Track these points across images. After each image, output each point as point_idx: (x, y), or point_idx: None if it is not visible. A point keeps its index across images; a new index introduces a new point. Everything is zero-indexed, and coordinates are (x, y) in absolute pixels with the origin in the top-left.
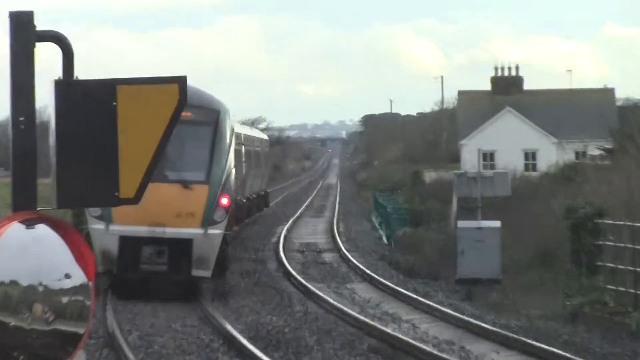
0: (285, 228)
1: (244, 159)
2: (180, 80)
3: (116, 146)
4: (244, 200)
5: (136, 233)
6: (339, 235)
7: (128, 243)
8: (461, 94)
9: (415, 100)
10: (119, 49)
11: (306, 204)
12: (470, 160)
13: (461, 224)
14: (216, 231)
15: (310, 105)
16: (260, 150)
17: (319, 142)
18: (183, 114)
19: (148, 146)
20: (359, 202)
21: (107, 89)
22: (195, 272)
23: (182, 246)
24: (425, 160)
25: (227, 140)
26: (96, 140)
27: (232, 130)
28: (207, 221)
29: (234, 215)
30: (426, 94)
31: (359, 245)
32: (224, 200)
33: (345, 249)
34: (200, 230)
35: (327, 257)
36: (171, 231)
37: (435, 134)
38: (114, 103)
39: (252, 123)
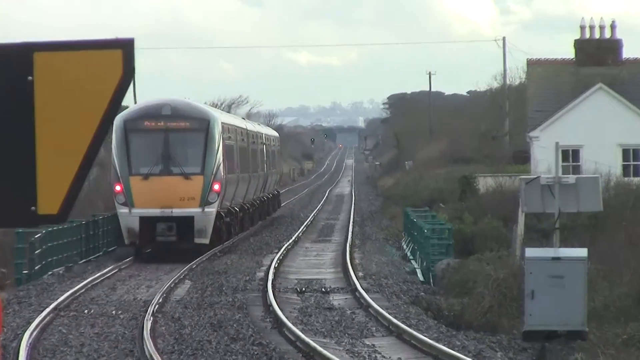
0: (276, 258)
1: (236, 158)
2: (126, 45)
3: (32, 142)
4: (244, 208)
5: (152, 214)
6: (353, 268)
7: (146, 221)
8: (532, 65)
9: (464, 73)
10: (37, 5)
11: (307, 223)
12: (544, 161)
13: (530, 252)
14: (211, 209)
15: (310, 80)
16: (264, 148)
17: (324, 133)
18: (181, 124)
19: (79, 142)
20: (383, 222)
21: (20, 58)
22: (197, 240)
23: (186, 222)
24: (480, 160)
25: (217, 141)
26: (3, 133)
27: (221, 132)
28: (204, 202)
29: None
30: (479, 65)
31: (382, 283)
32: (216, 187)
33: (363, 288)
34: (199, 209)
35: (337, 300)
36: (178, 211)
37: (493, 122)
38: (30, 78)
39: (229, 107)
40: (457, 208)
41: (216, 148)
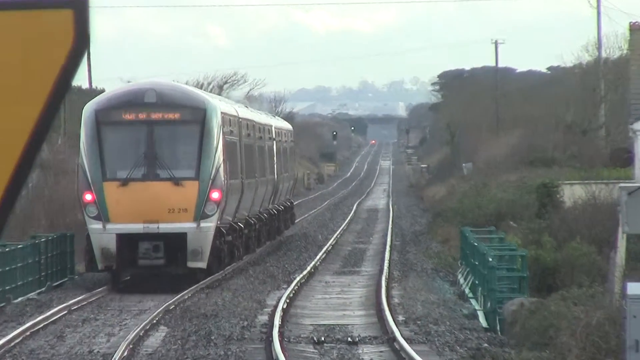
0: (285, 296)
1: (241, 159)
2: (79, 3)
3: None
4: (250, 224)
5: (132, 230)
6: (390, 310)
7: (125, 240)
8: (636, 31)
9: (542, 43)
10: None
11: (327, 247)
12: None
13: (634, 288)
14: (209, 224)
15: (330, 52)
16: (274, 145)
17: (351, 125)
18: (170, 115)
19: (16, 132)
20: (432, 246)
21: None
22: (191, 264)
23: (177, 240)
24: (565, 161)
25: (215, 137)
26: None
27: (220, 125)
28: (200, 215)
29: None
30: (564, 32)
31: (430, 330)
32: (215, 195)
33: (405, 338)
34: (193, 224)
35: (369, 353)
36: (165, 226)
37: (583, 110)
38: None
39: (220, 88)
40: (533, 228)
41: (215, 145)
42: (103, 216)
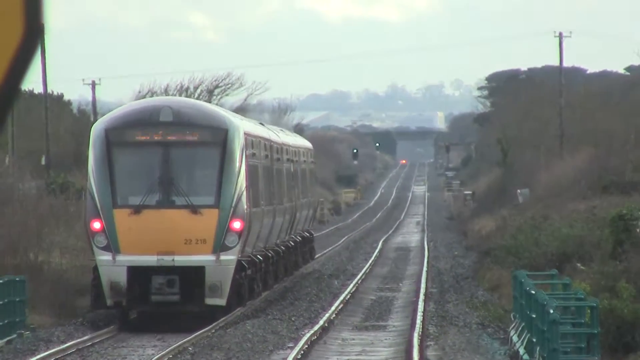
0: (292, 358)
1: (262, 184)
2: None
3: None
4: (268, 257)
5: (145, 262)
6: None
7: (137, 273)
8: None
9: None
10: None
11: (344, 296)
12: None
13: None
14: (229, 257)
15: (349, 43)
16: (291, 167)
17: (376, 140)
18: (188, 135)
19: None
20: (478, 294)
21: None
22: (209, 301)
23: (194, 274)
24: None
25: (237, 160)
26: None
27: (243, 147)
28: (219, 247)
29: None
30: None
31: None
32: (236, 224)
33: None
34: (212, 257)
35: None
36: (181, 259)
37: None
38: None
39: (210, 93)
40: (607, 271)
41: (237, 169)
42: (113, 247)
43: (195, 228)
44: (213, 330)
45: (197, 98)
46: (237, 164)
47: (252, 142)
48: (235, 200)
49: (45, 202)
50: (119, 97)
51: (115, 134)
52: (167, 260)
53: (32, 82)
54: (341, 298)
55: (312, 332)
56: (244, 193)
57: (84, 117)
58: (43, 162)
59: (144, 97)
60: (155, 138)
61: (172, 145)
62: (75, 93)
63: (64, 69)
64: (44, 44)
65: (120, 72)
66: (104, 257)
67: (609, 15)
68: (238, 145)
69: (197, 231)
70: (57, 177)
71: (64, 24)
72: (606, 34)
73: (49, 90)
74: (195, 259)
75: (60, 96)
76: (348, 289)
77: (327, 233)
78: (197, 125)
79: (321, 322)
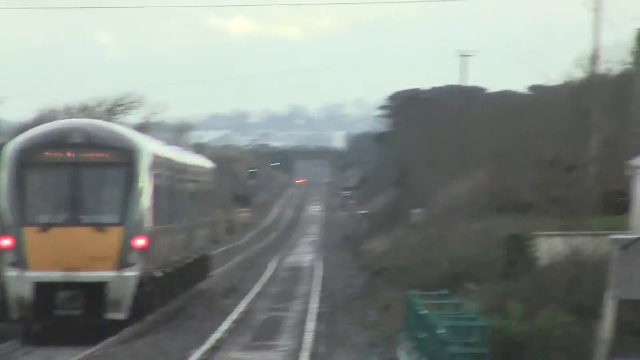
0: None
1: (165, 203)
2: None
3: None
4: (170, 274)
5: (50, 278)
6: None
7: (43, 288)
8: None
9: (522, 57)
10: None
11: (236, 315)
12: None
13: None
14: (131, 273)
15: (250, 62)
16: (191, 186)
17: (274, 159)
18: (98, 155)
19: None
20: (369, 314)
21: None
22: (110, 315)
23: (97, 289)
24: (543, 207)
25: (143, 181)
26: None
27: (150, 167)
28: (122, 263)
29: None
30: (551, 42)
31: None
32: (139, 242)
33: None
34: (114, 273)
35: None
36: (85, 275)
37: (570, 142)
38: None
39: (109, 112)
40: (499, 291)
41: (143, 189)
42: (21, 263)
43: (99, 245)
44: (102, 350)
45: (99, 117)
46: (143, 184)
47: (157, 162)
48: (139, 218)
49: None
50: (21, 116)
51: (27, 154)
52: (71, 276)
53: None
54: (232, 317)
55: (200, 352)
56: (149, 212)
57: None
58: None
59: (47, 116)
60: (66, 158)
61: (81, 165)
62: None
63: None
64: None
65: (22, 90)
66: (11, 272)
67: (508, 29)
68: (144, 166)
69: (102, 248)
70: None
71: None
72: (508, 51)
73: None
74: (98, 274)
75: None
76: (240, 308)
77: (221, 252)
78: (106, 147)
79: (211, 340)
